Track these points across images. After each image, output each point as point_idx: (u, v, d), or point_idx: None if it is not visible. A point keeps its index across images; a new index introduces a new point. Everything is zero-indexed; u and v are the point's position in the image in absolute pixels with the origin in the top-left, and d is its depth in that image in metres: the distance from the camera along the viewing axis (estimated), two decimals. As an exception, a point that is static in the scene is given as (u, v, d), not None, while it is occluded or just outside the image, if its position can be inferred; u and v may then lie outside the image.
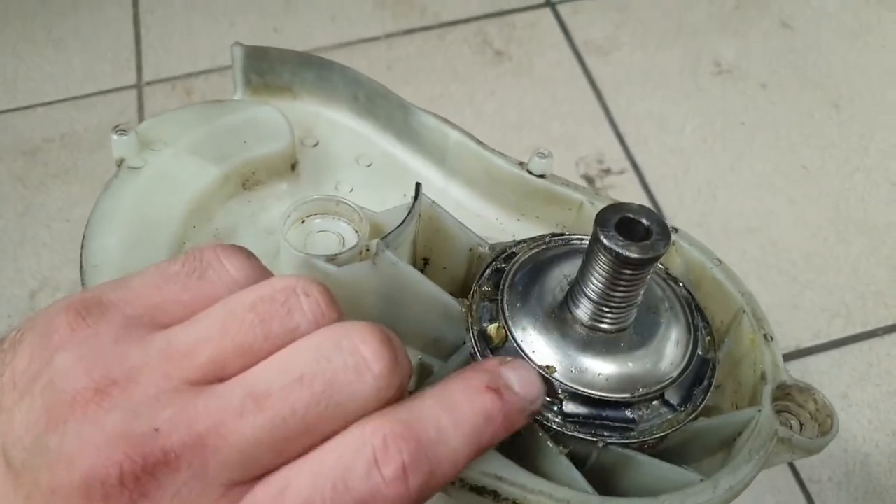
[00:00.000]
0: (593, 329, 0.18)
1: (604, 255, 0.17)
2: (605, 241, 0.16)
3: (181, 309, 0.15)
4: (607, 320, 0.18)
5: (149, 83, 0.49)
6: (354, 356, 0.14)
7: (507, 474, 0.17)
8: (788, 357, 0.39)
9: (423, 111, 0.25)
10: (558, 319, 0.19)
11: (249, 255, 0.16)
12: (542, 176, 0.24)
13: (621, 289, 0.17)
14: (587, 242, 0.18)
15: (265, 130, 0.25)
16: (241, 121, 0.25)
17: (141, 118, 0.47)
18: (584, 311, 0.18)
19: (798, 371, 0.38)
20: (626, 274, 0.17)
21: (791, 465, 0.36)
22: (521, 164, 0.24)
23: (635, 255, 0.16)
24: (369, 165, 0.26)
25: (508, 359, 0.17)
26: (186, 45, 0.51)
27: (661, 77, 0.49)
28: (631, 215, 0.17)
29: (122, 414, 0.13)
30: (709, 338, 0.20)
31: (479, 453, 0.15)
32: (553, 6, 0.53)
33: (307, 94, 0.27)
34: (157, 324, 0.15)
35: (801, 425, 0.20)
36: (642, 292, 0.18)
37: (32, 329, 0.15)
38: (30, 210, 0.44)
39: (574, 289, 0.18)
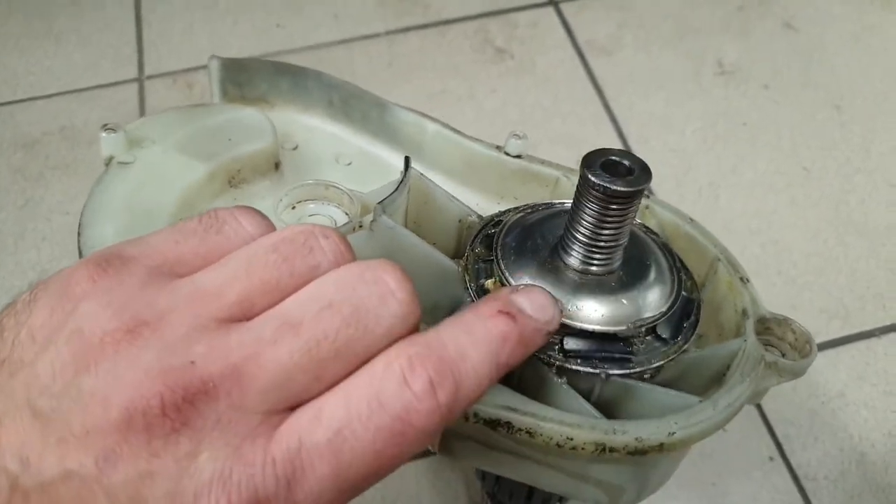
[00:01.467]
0: (585, 273, 0.20)
1: (593, 193, 0.18)
2: (592, 178, 0.18)
3: (200, 261, 0.16)
4: (597, 261, 0.19)
5: (150, 77, 0.49)
6: (378, 285, 0.15)
7: (519, 405, 0.18)
8: (787, 357, 0.39)
9: (400, 107, 0.26)
10: (552, 267, 0.20)
11: (263, 214, 0.17)
12: (518, 156, 0.25)
13: (609, 227, 0.19)
14: (570, 204, 0.20)
15: (249, 130, 0.26)
16: (226, 121, 0.26)
17: (142, 112, 0.47)
18: (575, 256, 0.20)
19: (796, 371, 0.39)
20: (613, 210, 0.18)
21: (788, 465, 0.36)
22: (497, 147, 0.25)
23: (622, 188, 0.18)
24: (349, 164, 0.27)
25: (520, 286, 0.18)
26: (188, 40, 0.51)
27: (663, 77, 0.49)
28: (614, 157, 0.19)
29: (156, 351, 0.14)
30: (690, 282, 0.22)
31: (500, 372, 0.16)
32: (556, 5, 0.53)
33: (283, 102, 0.28)
34: (179, 274, 0.15)
35: (783, 354, 0.22)
36: (628, 233, 0.19)
37: (47, 288, 0.15)
38: (29, 203, 0.44)
39: (564, 236, 0.20)
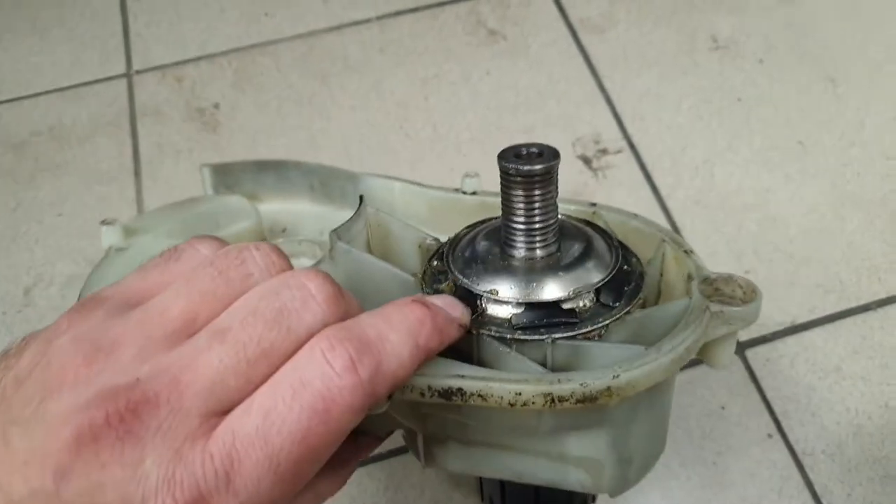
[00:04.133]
0: (530, 259, 0.22)
1: (512, 179, 0.20)
2: (508, 164, 0.20)
3: (162, 288, 0.17)
4: (537, 244, 0.21)
5: (138, 72, 0.48)
6: (301, 290, 0.16)
7: (469, 372, 0.19)
8: (783, 333, 0.39)
9: (368, 175, 0.29)
10: (500, 262, 0.22)
11: (220, 240, 0.19)
12: (474, 193, 0.28)
13: (536, 208, 0.21)
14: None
15: (234, 213, 0.29)
16: (213, 208, 0.30)
17: (132, 108, 0.47)
18: (517, 246, 0.21)
19: (792, 346, 0.39)
20: (535, 192, 0.20)
21: (786, 441, 0.36)
22: (455, 189, 0.28)
23: (531, 167, 0.20)
24: None
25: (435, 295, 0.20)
26: (176, 32, 0.50)
27: (657, 54, 0.49)
28: (524, 149, 0.21)
29: (108, 374, 0.15)
30: (634, 259, 0.23)
31: (420, 354, 0.17)
32: (547, -18, 0.52)
33: (270, 195, 0.31)
34: (143, 304, 0.17)
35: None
36: (556, 214, 0.21)
37: (36, 336, 0.17)
38: (21, 205, 0.43)
39: (504, 232, 0.22)
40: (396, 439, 0.36)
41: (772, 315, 0.40)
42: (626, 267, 0.23)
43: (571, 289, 0.21)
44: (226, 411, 0.15)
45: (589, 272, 0.21)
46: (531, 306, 0.21)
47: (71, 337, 0.16)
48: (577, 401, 0.18)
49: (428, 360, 0.18)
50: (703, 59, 0.49)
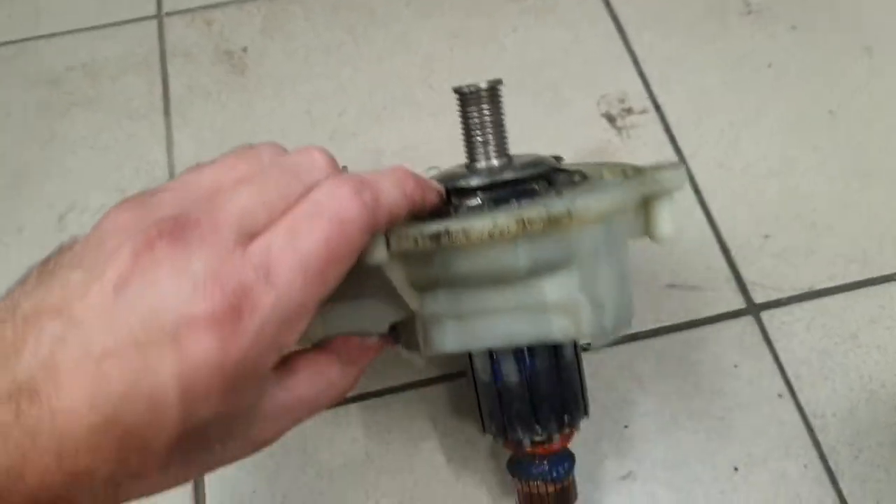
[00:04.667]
0: (488, 165, 0.27)
1: (465, 98, 0.26)
2: (461, 86, 0.26)
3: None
4: (493, 152, 0.27)
5: (168, 14, 0.49)
6: (309, 153, 0.21)
7: (452, 221, 0.22)
8: (801, 298, 0.39)
9: None
10: (465, 170, 0.27)
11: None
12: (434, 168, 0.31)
13: (488, 119, 0.26)
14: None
15: None
16: None
17: (162, 49, 0.47)
18: (478, 157, 0.27)
19: (809, 311, 0.39)
20: (485, 108, 0.26)
21: (796, 402, 0.36)
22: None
23: (483, 84, 0.26)
24: None
25: None
26: (206, -26, 0.50)
27: (686, 17, 0.48)
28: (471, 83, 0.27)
29: (155, 215, 0.18)
30: (581, 173, 0.27)
31: (408, 202, 0.21)
32: (579, -59, 0.51)
33: None
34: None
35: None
36: (504, 127, 0.27)
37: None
38: (55, 137, 0.45)
39: (469, 152, 0.27)
40: (407, 374, 0.37)
41: (790, 279, 0.40)
42: (572, 174, 0.27)
43: (528, 172, 0.26)
44: (255, 236, 0.18)
45: (540, 165, 0.26)
46: (496, 188, 0.25)
47: (117, 208, 0.19)
48: (544, 224, 0.21)
49: (413, 212, 0.22)
50: (734, 23, 0.48)
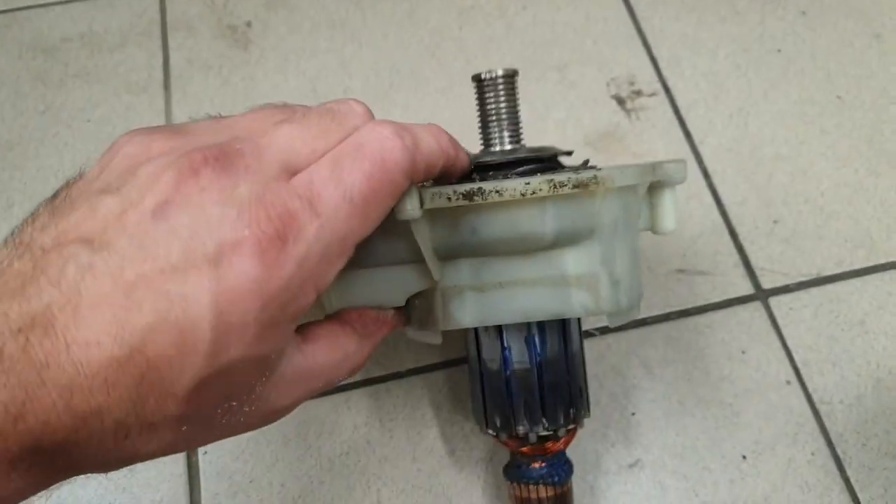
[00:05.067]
0: (503, 148, 0.27)
1: (485, 85, 0.27)
2: (480, 72, 0.27)
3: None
4: (508, 137, 0.27)
5: (170, -15, 0.47)
6: (348, 103, 0.20)
7: (485, 182, 0.22)
8: (809, 284, 0.39)
9: None
10: (482, 152, 0.27)
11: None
12: None
13: (504, 105, 0.27)
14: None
15: None
16: None
17: (163, 21, 0.46)
18: (493, 140, 0.27)
19: (816, 296, 0.38)
20: (501, 95, 0.27)
21: (804, 389, 0.36)
22: None
23: (500, 72, 0.27)
24: None
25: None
26: (209, -56, 0.49)
27: (697, 0, 0.48)
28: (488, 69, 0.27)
29: (193, 143, 0.18)
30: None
31: (443, 151, 0.21)
32: (589, -79, 0.50)
33: None
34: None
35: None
36: (519, 113, 0.28)
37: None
38: (50, 109, 0.43)
39: (484, 135, 0.28)
40: (417, 357, 0.36)
41: (797, 265, 0.39)
42: (583, 162, 0.28)
43: (545, 153, 0.26)
44: (298, 172, 0.18)
45: (553, 150, 0.27)
46: (519, 163, 0.26)
47: (141, 134, 0.18)
48: (573, 186, 0.22)
49: (447, 167, 0.22)
50: (744, 7, 0.47)
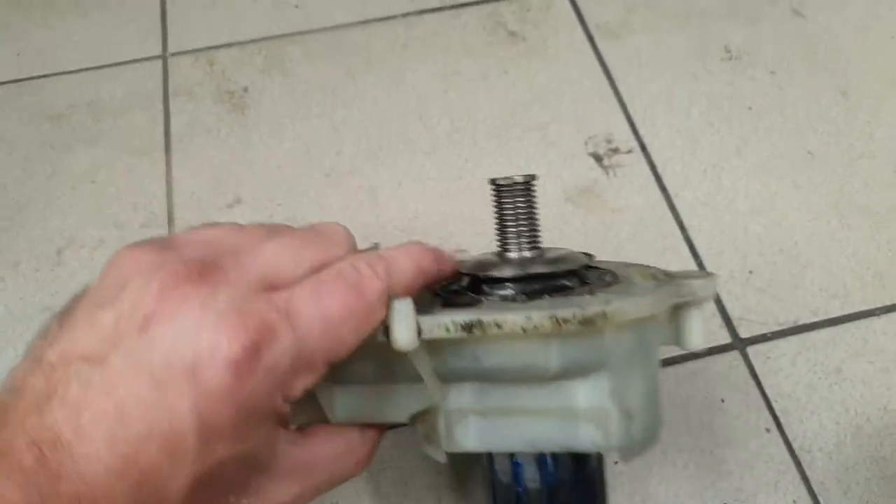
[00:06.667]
0: (520, 256, 0.26)
1: (502, 190, 0.26)
2: (497, 178, 0.26)
3: None
4: (525, 243, 0.26)
5: (173, 54, 0.50)
6: (334, 229, 0.23)
7: (485, 311, 0.22)
8: (785, 333, 0.40)
9: None
10: (496, 259, 0.26)
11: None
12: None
13: (522, 211, 0.26)
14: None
15: None
16: None
17: (165, 88, 0.49)
18: (509, 246, 0.26)
19: (794, 345, 0.39)
20: (519, 200, 0.26)
21: (784, 437, 0.37)
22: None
23: (519, 177, 0.26)
24: None
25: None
26: (209, 18, 0.52)
27: (670, 61, 0.50)
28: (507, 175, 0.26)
29: (178, 256, 0.19)
30: (612, 273, 0.27)
31: (423, 274, 0.22)
32: (567, -10, 0.54)
33: None
34: None
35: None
36: (537, 219, 0.26)
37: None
38: (56, 172, 0.45)
39: (500, 240, 0.26)
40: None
41: (774, 314, 0.40)
42: (603, 272, 0.27)
43: (560, 267, 0.25)
44: (280, 287, 0.19)
45: (573, 258, 0.26)
46: (529, 280, 0.24)
47: (133, 248, 0.20)
48: (579, 322, 0.20)
49: (428, 282, 0.22)
50: (716, 67, 0.50)
